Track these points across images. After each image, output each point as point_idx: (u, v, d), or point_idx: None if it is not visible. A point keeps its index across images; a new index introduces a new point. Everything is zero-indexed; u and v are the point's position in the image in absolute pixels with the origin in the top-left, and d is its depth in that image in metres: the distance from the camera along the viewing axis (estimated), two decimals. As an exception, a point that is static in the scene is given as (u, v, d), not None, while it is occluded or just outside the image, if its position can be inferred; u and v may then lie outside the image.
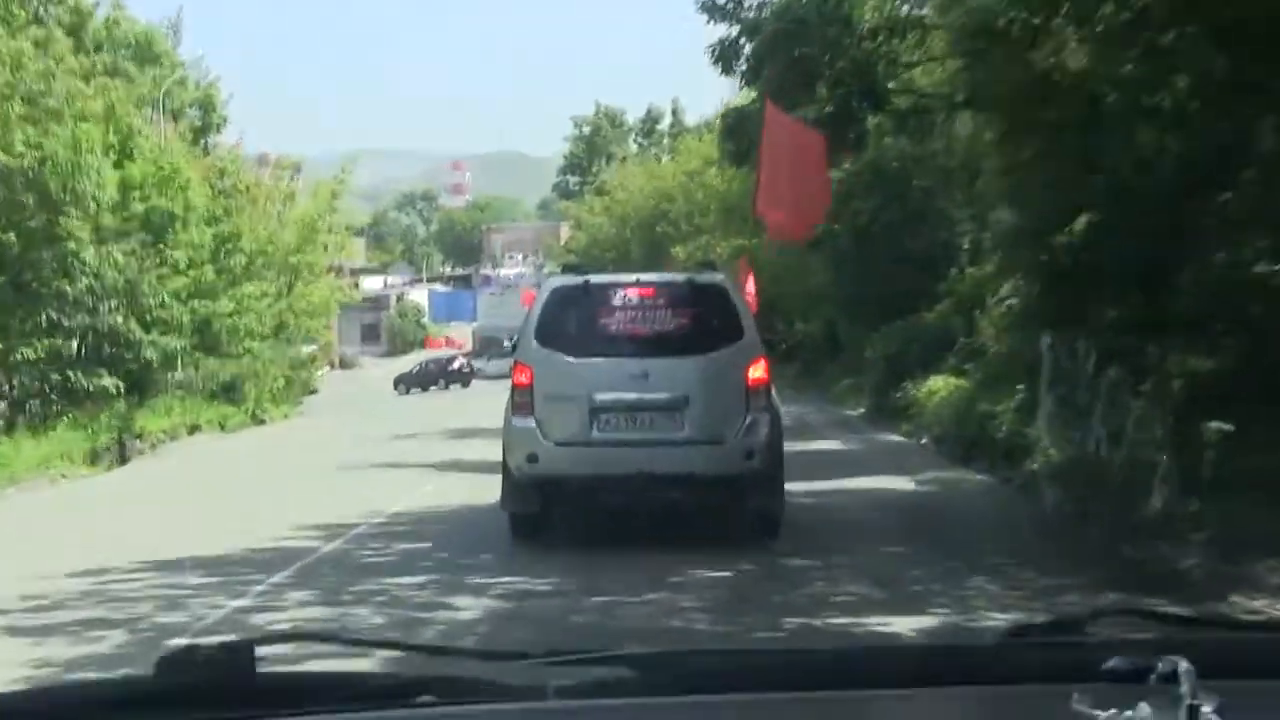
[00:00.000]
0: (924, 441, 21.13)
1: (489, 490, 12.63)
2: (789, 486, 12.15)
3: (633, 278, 11.85)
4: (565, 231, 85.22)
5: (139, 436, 29.83)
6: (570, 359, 11.03)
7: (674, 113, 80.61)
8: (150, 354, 29.24)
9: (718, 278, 12.07)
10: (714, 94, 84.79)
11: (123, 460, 27.24)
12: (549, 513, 11.54)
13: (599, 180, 75.38)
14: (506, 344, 64.45)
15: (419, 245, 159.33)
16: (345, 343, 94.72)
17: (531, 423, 10.97)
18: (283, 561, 11.57)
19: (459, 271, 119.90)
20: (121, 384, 27.63)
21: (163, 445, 30.59)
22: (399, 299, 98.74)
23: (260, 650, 1.82)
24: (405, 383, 62.12)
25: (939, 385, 21.73)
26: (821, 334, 46.94)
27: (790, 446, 12.96)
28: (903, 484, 16.40)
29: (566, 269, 13.57)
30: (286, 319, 44.80)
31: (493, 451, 12.66)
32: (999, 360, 19.34)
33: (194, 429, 34.20)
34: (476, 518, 13.49)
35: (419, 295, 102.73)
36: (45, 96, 24.50)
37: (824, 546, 11.61)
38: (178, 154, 33.44)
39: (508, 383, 11.58)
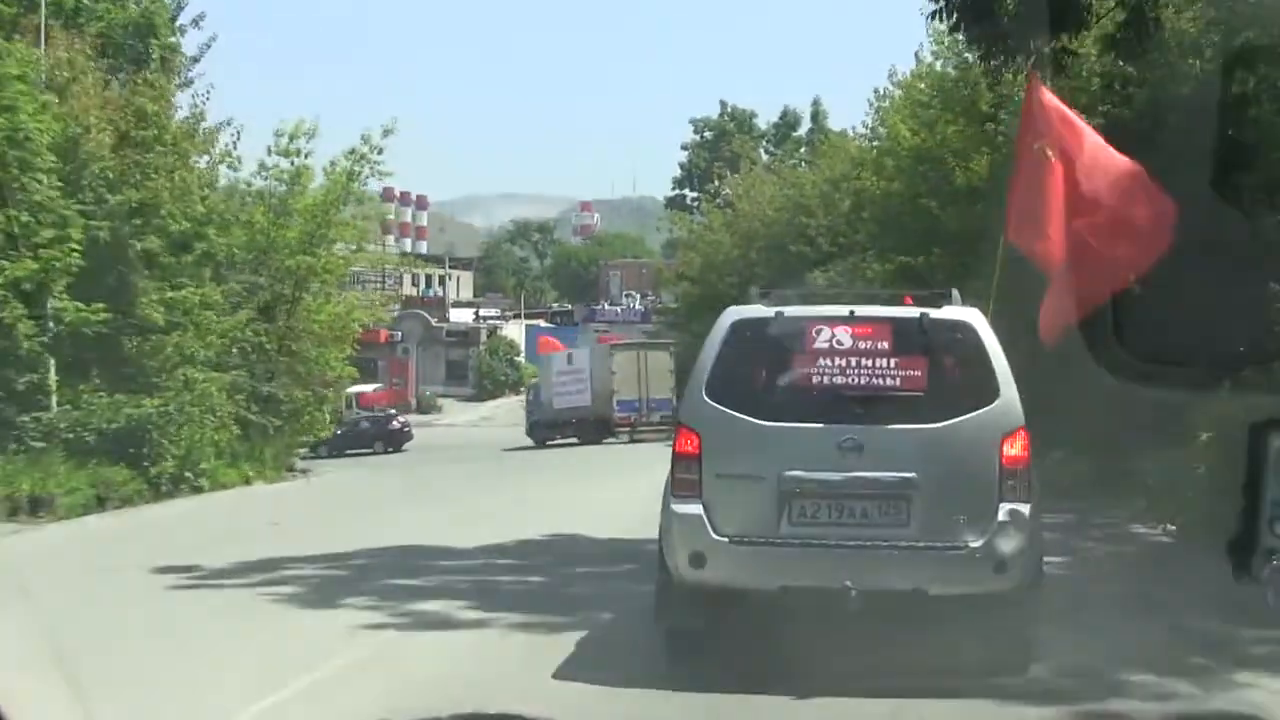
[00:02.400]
0: None
1: None
2: None
3: (844, 310, 8.78)
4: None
5: None
6: (754, 421, 8.46)
7: (814, 116, 66.56)
8: None
9: (965, 313, 8.90)
10: (860, 92, 72.37)
11: None
12: (718, 629, 8.66)
13: (719, 189, 61.75)
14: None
15: (532, 280, 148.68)
16: (428, 381, 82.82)
17: (698, 508, 8.37)
18: None
19: (565, 307, 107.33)
20: None
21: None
22: (490, 334, 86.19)
23: None
24: (327, 445, 45.31)
25: None
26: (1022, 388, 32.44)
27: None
28: None
29: (761, 294, 9.62)
30: (265, 342, 31.97)
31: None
32: None
33: (35, 505, 21.44)
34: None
35: (516, 330, 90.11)
36: None
37: None
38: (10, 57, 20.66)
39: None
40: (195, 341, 26.89)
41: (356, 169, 36.08)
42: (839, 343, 8.48)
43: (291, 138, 35.59)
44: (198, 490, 26.58)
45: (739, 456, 8.44)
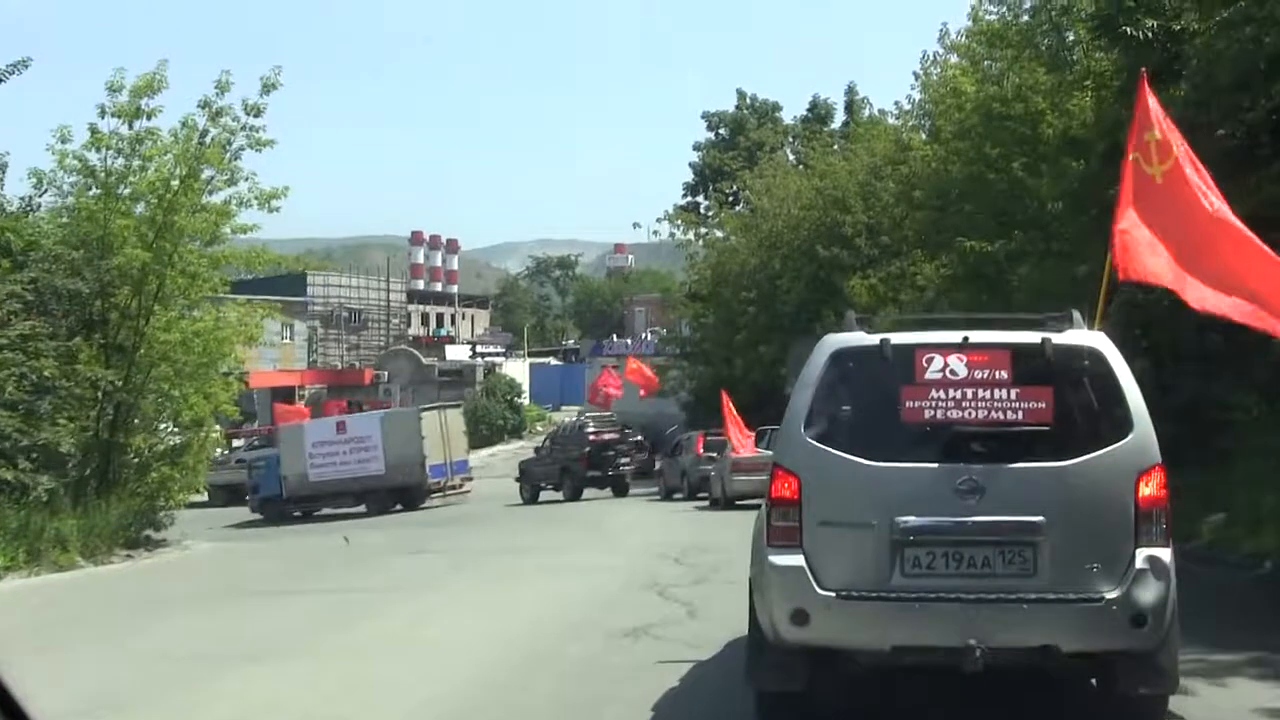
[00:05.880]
0: None
1: None
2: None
3: (957, 336, 7.79)
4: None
5: None
6: (861, 462, 7.53)
7: (849, 106, 56.34)
8: None
9: (1092, 337, 7.92)
10: (898, 86, 64.64)
11: None
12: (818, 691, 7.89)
13: (737, 187, 51.64)
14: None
15: (553, 319, 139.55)
16: (417, 428, 73.22)
17: (799, 560, 7.49)
18: None
19: (574, 345, 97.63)
20: None
21: None
22: (488, 373, 76.40)
23: None
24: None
25: None
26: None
27: None
28: None
29: (858, 320, 8.43)
30: (45, 369, 22.12)
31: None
32: None
33: None
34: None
35: (518, 369, 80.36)
36: None
37: None
38: None
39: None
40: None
41: (225, 135, 26.32)
42: (953, 372, 7.55)
43: (133, 94, 26.10)
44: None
45: (844, 501, 7.56)
